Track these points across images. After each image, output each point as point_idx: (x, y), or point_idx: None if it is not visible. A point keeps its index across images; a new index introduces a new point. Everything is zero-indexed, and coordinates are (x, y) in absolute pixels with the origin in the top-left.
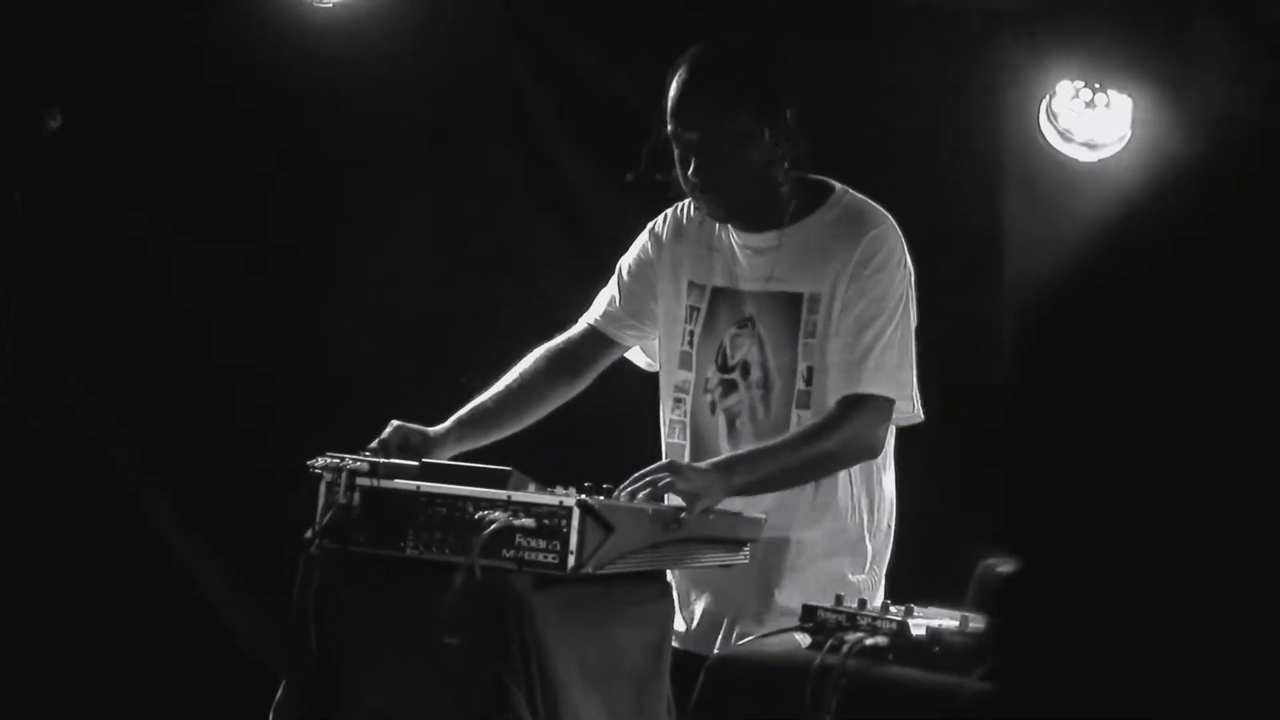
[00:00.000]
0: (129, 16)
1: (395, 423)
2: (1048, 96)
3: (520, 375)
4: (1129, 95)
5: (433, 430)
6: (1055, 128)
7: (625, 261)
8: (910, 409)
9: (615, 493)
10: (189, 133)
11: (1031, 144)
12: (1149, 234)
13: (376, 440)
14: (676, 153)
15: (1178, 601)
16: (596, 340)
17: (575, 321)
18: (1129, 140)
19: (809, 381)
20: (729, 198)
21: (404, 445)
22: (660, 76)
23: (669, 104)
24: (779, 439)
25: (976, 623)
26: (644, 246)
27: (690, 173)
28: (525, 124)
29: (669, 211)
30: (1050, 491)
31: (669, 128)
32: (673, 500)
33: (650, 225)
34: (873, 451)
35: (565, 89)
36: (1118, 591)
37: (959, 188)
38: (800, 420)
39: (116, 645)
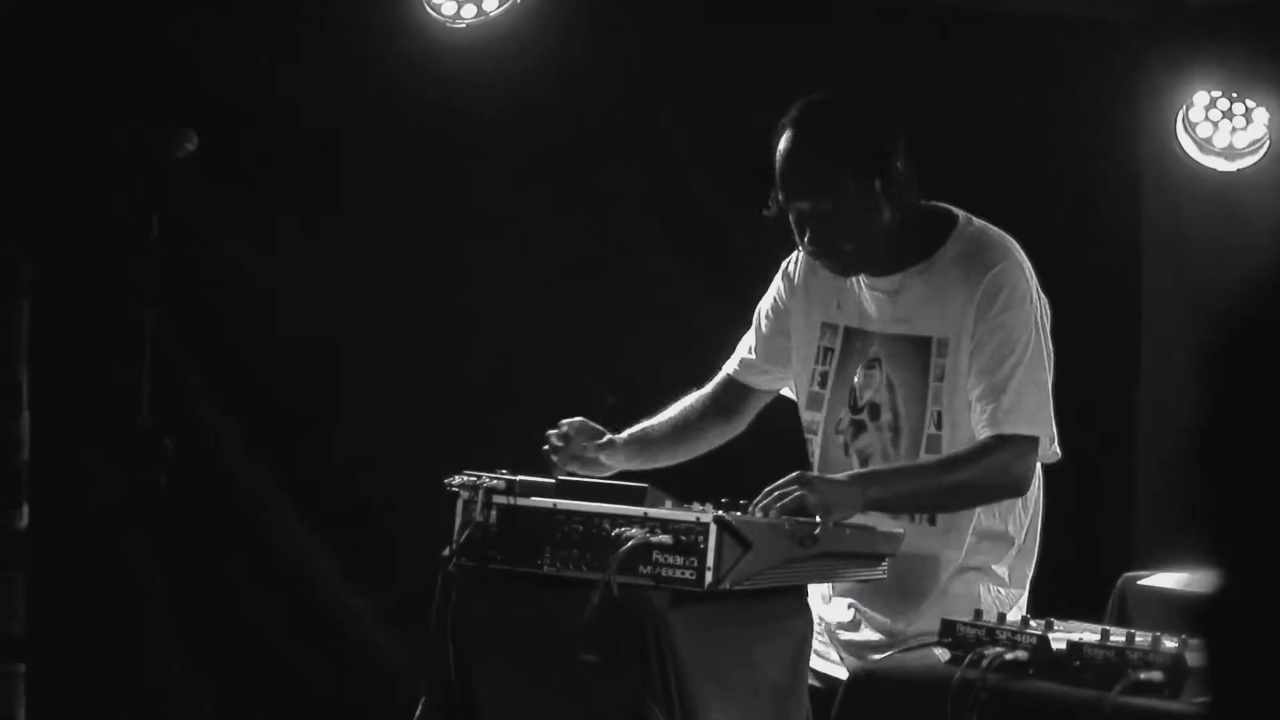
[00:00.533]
0: (262, 41)
1: (580, 418)
2: (1185, 107)
3: (682, 412)
4: (1266, 104)
5: (611, 436)
6: (1193, 138)
7: (762, 308)
8: (1049, 447)
9: (749, 508)
10: (318, 156)
11: (1170, 155)
12: None
13: (559, 426)
14: (791, 219)
15: None
16: (738, 389)
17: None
18: (1268, 149)
19: (939, 426)
20: (847, 258)
21: (584, 431)
22: (790, 98)
23: (776, 169)
24: (922, 461)
25: (1117, 636)
26: (778, 290)
27: (807, 240)
28: (655, 145)
29: (799, 251)
30: (1258, 509)
31: (779, 195)
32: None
33: (783, 266)
34: (1019, 488)
35: (695, 112)
36: None
37: (1098, 201)
38: None
39: (254, 665)
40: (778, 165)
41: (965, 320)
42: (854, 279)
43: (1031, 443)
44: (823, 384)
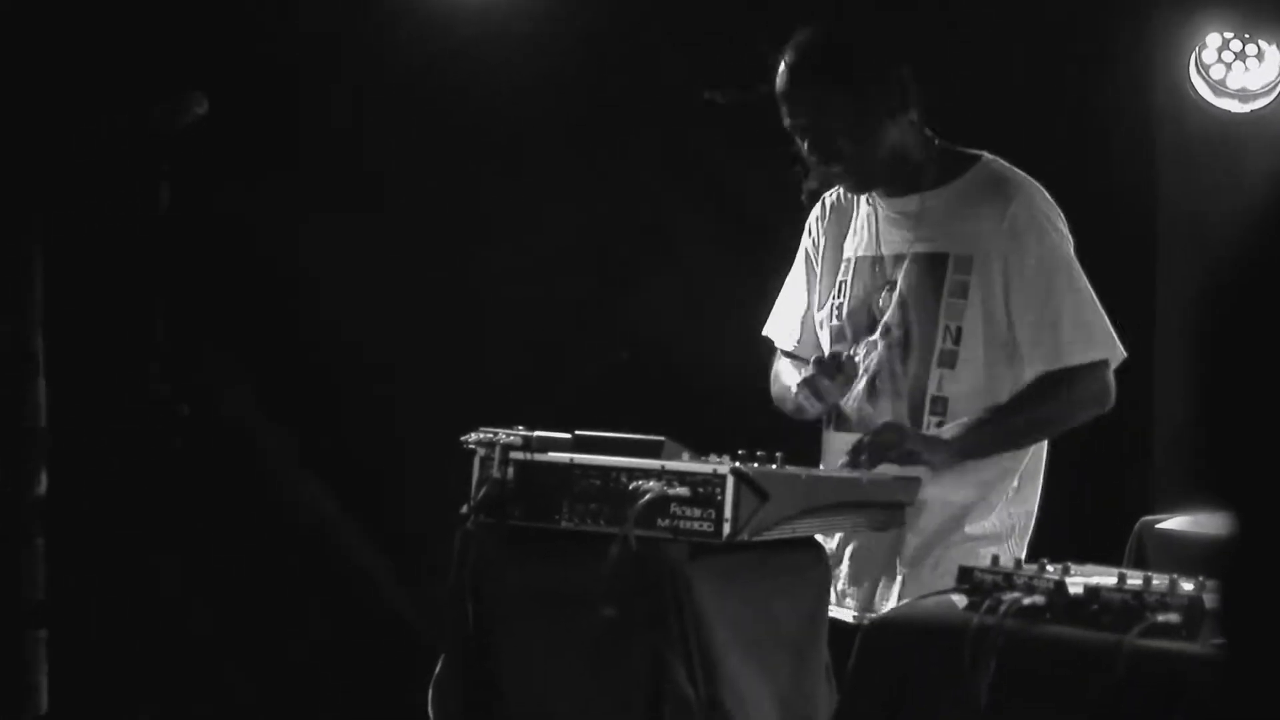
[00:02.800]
0: (272, 4)
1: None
2: (1197, 49)
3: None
4: (1279, 45)
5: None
6: (1206, 80)
7: (794, 272)
8: (1116, 354)
9: (839, 464)
10: (332, 120)
11: (1182, 97)
12: None
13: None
14: (796, 136)
15: None
16: (796, 362)
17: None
18: None
19: (957, 341)
20: (855, 168)
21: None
22: None
23: (777, 90)
24: (1004, 403)
25: (1134, 579)
26: (805, 249)
27: (807, 152)
28: (666, 96)
29: (819, 203)
30: (1270, 450)
31: (784, 119)
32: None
33: (807, 223)
34: (1101, 407)
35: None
36: None
37: (1110, 144)
38: (943, 379)
39: (273, 627)
40: (779, 82)
41: (993, 241)
42: (872, 206)
43: (1103, 365)
44: (839, 316)
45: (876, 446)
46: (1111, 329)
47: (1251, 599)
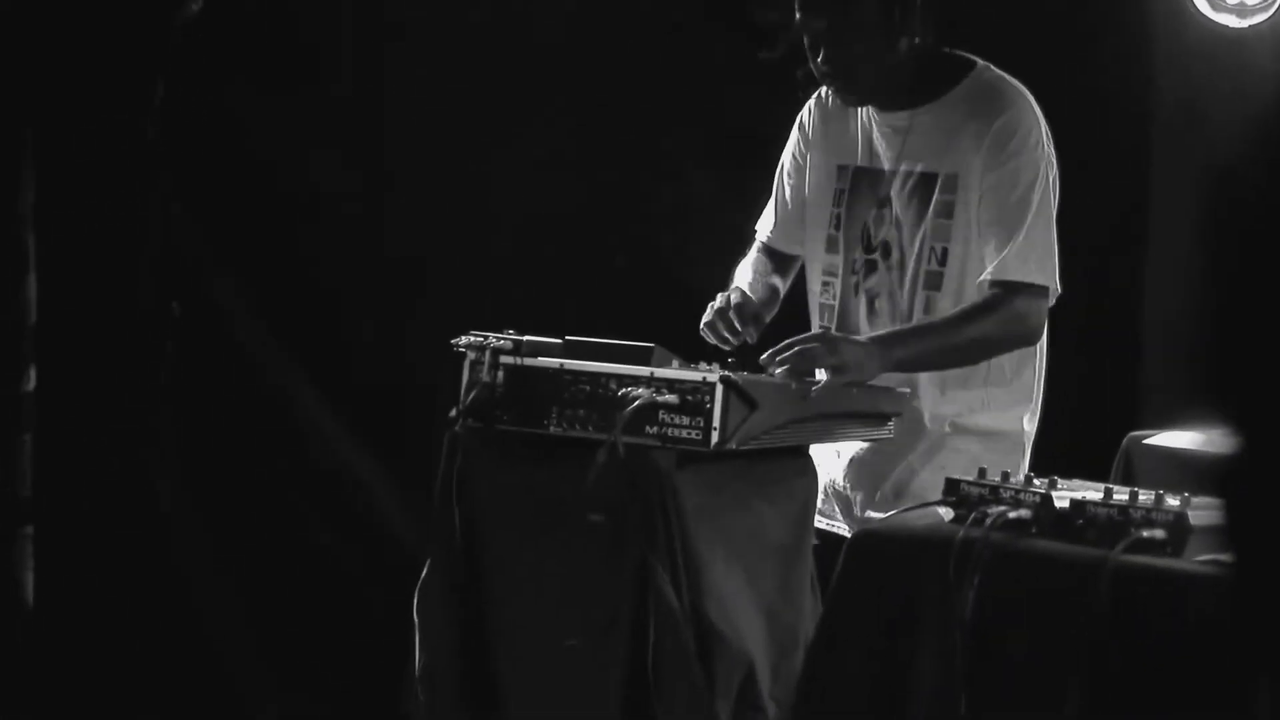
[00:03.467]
0: None
1: (737, 287)
2: None
3: (764, 282)
4: None
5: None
6: None
7: (782, 166)
8: (1056, 292)
9: (761, 359)
10: (336, 35)
11: (1181, 12)
12: None
13: (721, 298)
14: (806, 40)
15: None
16: (773, 255)
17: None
18: (1279, 6)
19: (942, 262)
20: (860, 83)
21: (745, 309)
22: None
23: None
24: (937, 319)
25: (1120, 494)
26: (795, 144)
27: (820, 60)
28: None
29: (811, 101)
30: (1275, 369)
31: (797, 16)
32: (822, 374)
33: (797, 119)
34: (1031, 338)
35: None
36: None
37: (1105, 57)
38: (930, 301)
39: (261, 529)
40: None
41: (974, 158)
42: (866, 117)
43: (1043, 291)
44: (837, 226)
45: (801, 356)
46: (1055, 260)
47: (1256, 516)
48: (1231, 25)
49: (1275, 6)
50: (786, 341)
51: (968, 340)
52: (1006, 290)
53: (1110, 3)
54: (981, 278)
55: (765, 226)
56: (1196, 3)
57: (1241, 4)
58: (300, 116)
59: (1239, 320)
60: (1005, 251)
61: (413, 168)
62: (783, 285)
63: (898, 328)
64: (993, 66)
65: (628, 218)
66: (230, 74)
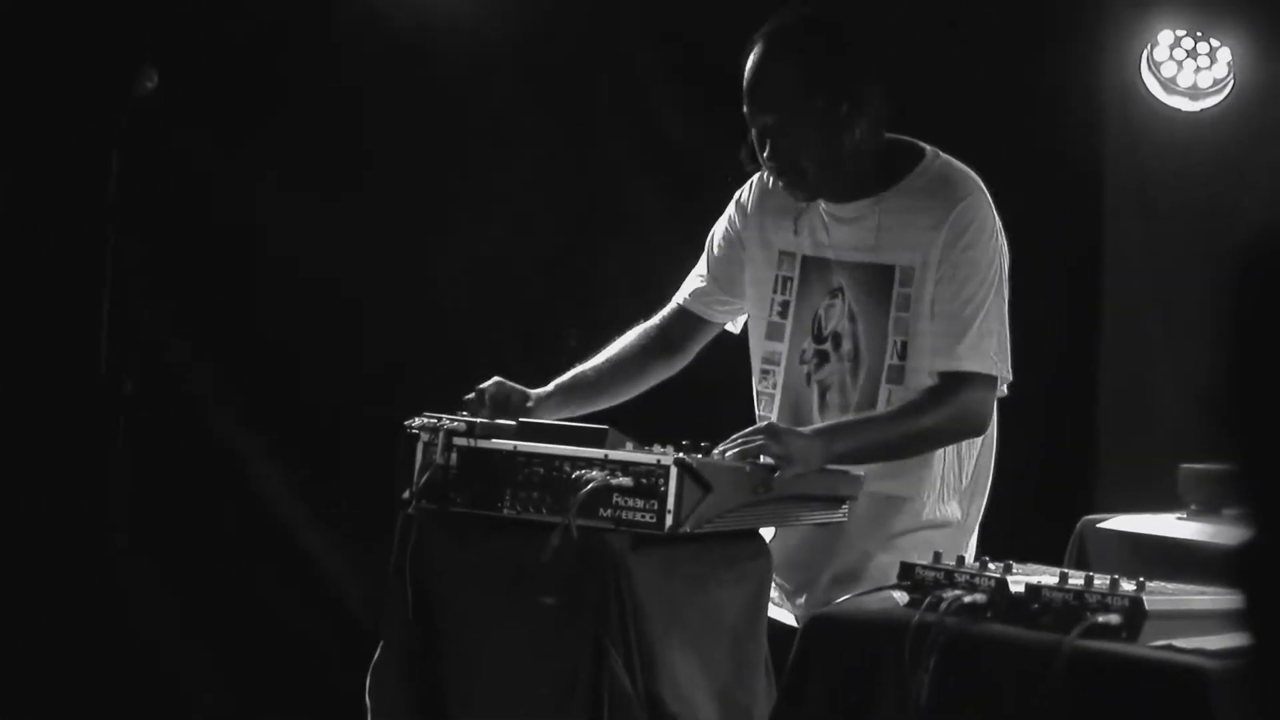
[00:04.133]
0: None
1: (497, 379)
2: (1149, 46)
3: (620, 350)
4: (1230, 44)
5: (534, 392)
6: (1157, 77)
7: (714, 236)
8: (1002, 389)
9: (714, 453)
10: (289, 88)
11: (1133, 94)
12: None
13: (475, 391)
14: (753, 134)
15: None
16: (688, 320)
17: (673, 283)
18: (1231, 88)
19: (902, 356)
20: (807, 178)
21: (504, 403)
22: (755, 21)
23: (744, 85)
24: (882, 411)
25: (1075, 578)
26: (730, 219)
27: (767, 155)
28: (627, 82)
29: (754, 179)
30: None
31: (744, 109)
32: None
33: (736, 196)
34: (979, 429)
35: (661, 31)
36: None
37: (1059, 140)
38: (891, 395)
39: (216, 602)
40: (746, 76)
41: (932, 250)
42: (813, 205)
43: (991, 381)
44: (784, 313)
45: (745, 452)
46: (1009, 354)
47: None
48: (1184, 109)
49: (1227, 90)
50: (733, 436)
51: (912, 434)
52: (955, 380)
53: (1062, 87)
54: (931, 367)
55: (688, 289)
56: (1149, 86)
57: (1194, 88)
58: (258, 185)
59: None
60: (956, 342)
61: (370, 241)
62: (667, 360)
63: (842, 419)
64: (941, 153)
65: (583, 297)
66: (190, 141)
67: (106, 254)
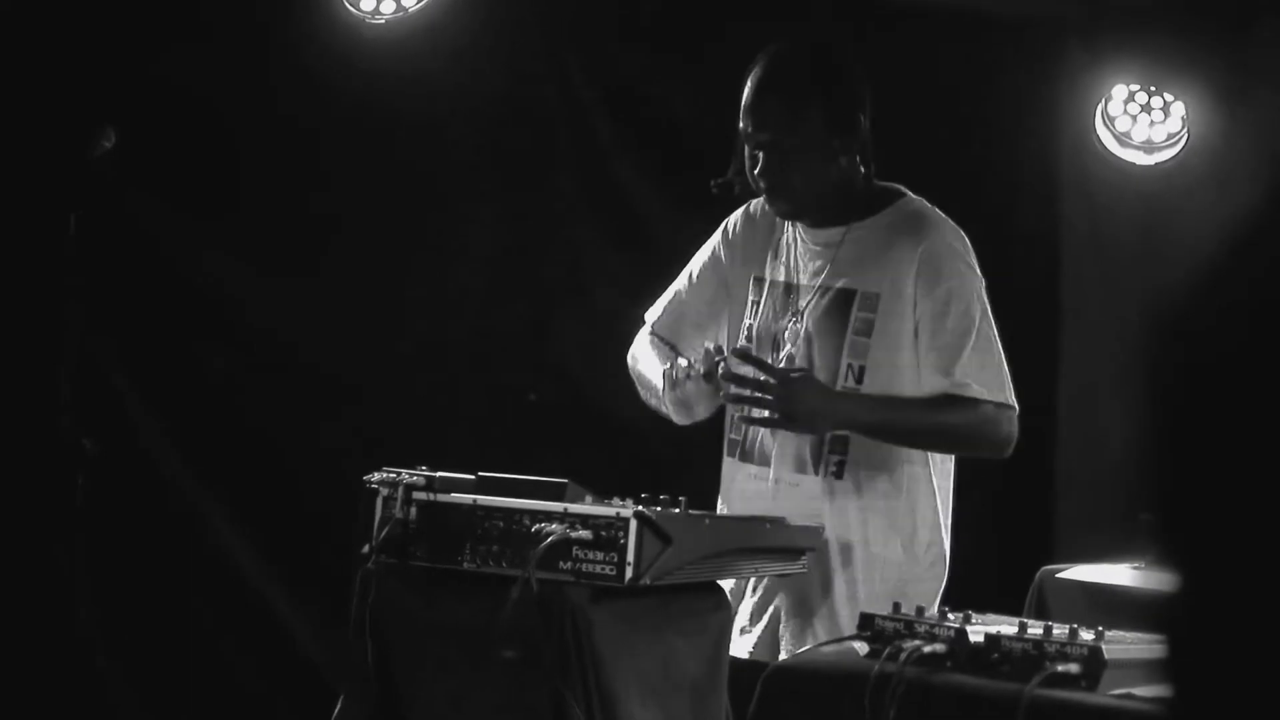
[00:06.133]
0: (182, 36)
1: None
2: (1103, 100)
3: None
4: (1184, 98)
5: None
6: (1112, 131)
7: (696, 263)
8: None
9: (722, 394)
10: (244, 152)
11: (1088, 148)
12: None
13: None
14: (747, 151)
15: None
16: (658, 346)
17: (629, 333)
18: (1185, 142)
19: (859, 380)
20: (794, 196)
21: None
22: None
23: (744, 101)
24: (909, 397)
25: (1035, 628)
26: (715, 247)
27: (758, 172)
28: (581, 133)
29: (743, 209)
30: (1216, 507)
31: (741, 125)
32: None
33: (724, 224)
34: (1004, 448)
35: (619, 97)
36: None
37: (1015, 192)
38: None
39: (178, 661)
40: (747, 93)
41: (904, 280)
42: (794, 231)
43: (1014, 412)
44: (749, 337)
45: (741, 399)
46: (1008, 376)
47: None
48: (1138, 162)
49: (1181, 143)
50: (751, 378)
51: (939, 425)
52: (972, 399)
53: (1017, 141)
54: (935, 389)
55: (654, 314)
56: (1103, 140)
57: (1149, 141)
58: (214, 243)
59: (1182, 460)
60: (955, 372)
61: (328, 297)
62: None
63: (875, 393)
64: (917, 197)
65: (541, 351)
66: (147, 201)
67: (65, 315)
